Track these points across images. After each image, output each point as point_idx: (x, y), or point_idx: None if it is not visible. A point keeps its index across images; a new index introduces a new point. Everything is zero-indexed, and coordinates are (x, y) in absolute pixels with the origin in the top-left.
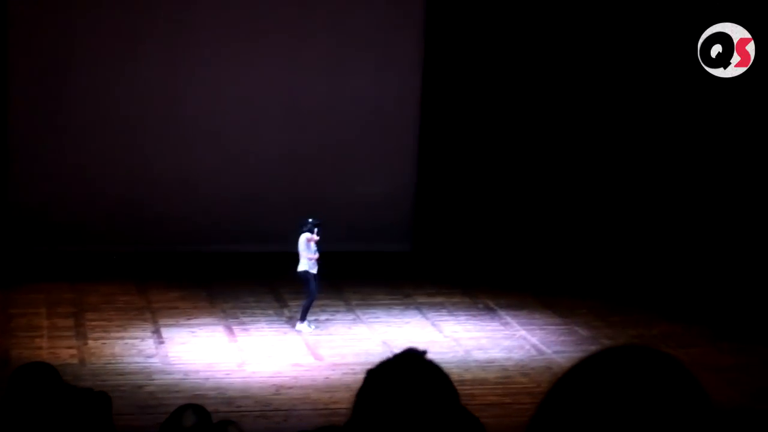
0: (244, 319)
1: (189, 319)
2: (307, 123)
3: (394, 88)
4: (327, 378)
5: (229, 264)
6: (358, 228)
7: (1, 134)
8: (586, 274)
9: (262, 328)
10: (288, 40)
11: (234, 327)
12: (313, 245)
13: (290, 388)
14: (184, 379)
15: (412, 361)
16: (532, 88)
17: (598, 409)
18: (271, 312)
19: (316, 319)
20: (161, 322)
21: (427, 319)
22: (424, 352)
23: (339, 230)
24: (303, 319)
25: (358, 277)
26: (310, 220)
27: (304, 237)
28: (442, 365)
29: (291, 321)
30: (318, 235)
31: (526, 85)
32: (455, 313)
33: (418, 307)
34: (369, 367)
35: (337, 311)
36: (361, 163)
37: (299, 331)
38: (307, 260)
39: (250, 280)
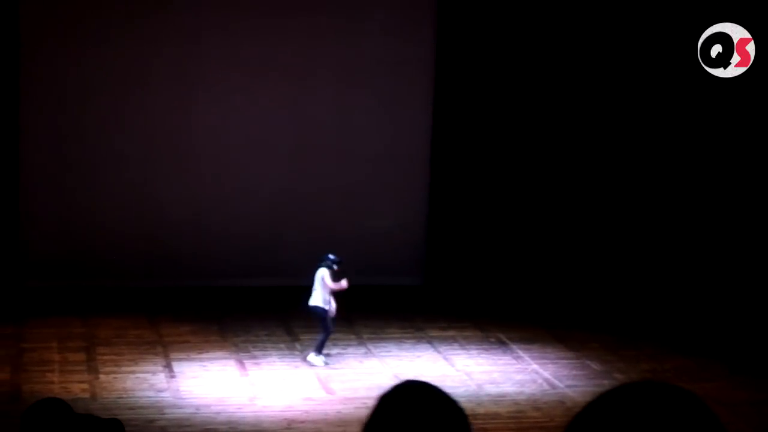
0: (256, 353)
1: (200, 353)
2: (318, 157)
3: (404, 122)
4: (339, 412)
5: (241, 298)
6: (370, 261)
7: (12, 170)
8: (599, 308)
9: (274, 362)
10: (297, 76)
11: (245, 361)
12: (329, 281)
13: (302, 422)
14: (196, 413)
15: (419, 389)
16: (543, 119)
17: None
18: (282, 346)
19: (327, 353)
20: (173, 356)
21: (438, 353)
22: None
23: (351, 264)
24: (319, 351)
25: (370, 310)
26: (330, 256)
27: (321, 272)
28: (455, 399)
29: (303, 355)
30: (337, 269)
31: (537, 116)
32: (467, 347)
33: (430, 341)
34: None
35: (349, 345)
36: (372, 196)
37: (310, 363)
38: (322, 298)
39: (261, 314)
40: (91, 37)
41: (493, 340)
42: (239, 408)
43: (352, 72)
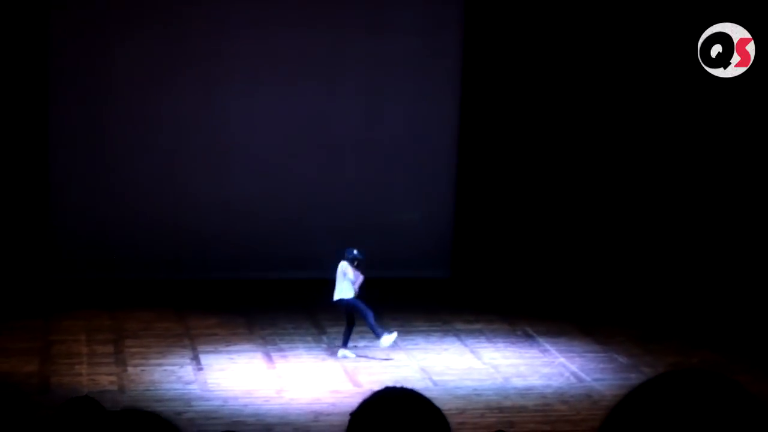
0: (283, 346)
1: (228, 345)
2: (345, 150)
3: (432, 116)
4: None
5: (268, 291)
6: (397, 255)
7: (41, 164)
8: (626, 301)
9: (301, 354)
10: (326, 68)
11: (272, 353)
12: (350, 274)
13: (329, 414)
14: (223, 405)
15: (396, 395)
16: (569, 113)
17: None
18: (309, 338)
19: (354, 346)
20: (200, 348)
21: (465, 345)
22: (402, 388)
23: (377, 257)
24: (379, 335)
25: (397, 303)
26: (354, 251)
27: (342, 266)
28: (482, 392)
29: (330, 348)
30: (357, 268)
31: (564, 111)
32: (494, 340)
33: (457, 334)
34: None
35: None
36: (399, 189)
37: (384, 345)
38: (344, 290)
39: (288, 306)
40: (121, 30)
41: (520, 333)
42: (266, 400)
43: (381, 66)
